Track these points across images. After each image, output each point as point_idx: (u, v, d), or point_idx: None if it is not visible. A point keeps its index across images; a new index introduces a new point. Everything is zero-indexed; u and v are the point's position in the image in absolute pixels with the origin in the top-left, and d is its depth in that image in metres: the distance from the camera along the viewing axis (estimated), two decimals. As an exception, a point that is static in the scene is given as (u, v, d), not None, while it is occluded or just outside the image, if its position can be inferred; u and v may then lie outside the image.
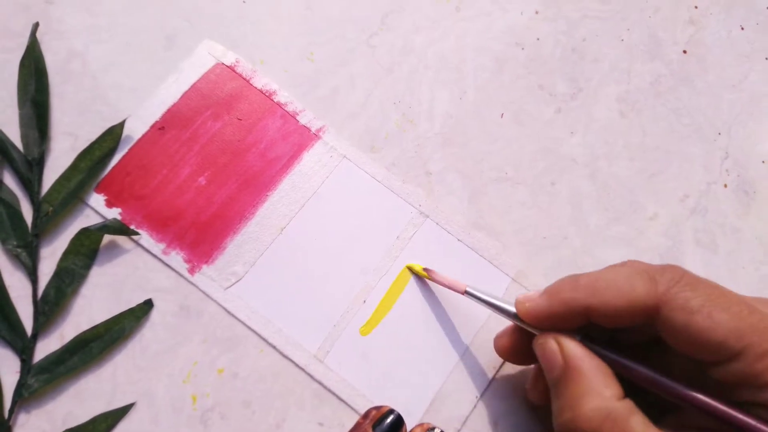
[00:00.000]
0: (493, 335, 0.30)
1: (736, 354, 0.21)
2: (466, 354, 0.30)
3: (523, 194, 0.33)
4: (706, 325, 0.21)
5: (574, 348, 0.23)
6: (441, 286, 0.30)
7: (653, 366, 0.23)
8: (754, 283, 0.33)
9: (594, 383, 0.22)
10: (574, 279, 0.24)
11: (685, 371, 0.23)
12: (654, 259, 0.33)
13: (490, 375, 0.30)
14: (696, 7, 0.38)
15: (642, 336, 0.25)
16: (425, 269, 0.30)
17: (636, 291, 0.22)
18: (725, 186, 0.35)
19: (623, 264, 0.24)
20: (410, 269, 0.31)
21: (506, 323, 0.28)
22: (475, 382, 0.30)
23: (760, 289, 0.33)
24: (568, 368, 0.23)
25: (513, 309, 0.26)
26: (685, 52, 0.37)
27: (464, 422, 0.29)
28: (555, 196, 0.33)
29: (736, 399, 0.22)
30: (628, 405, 0.22)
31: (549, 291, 0.24)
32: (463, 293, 0.28)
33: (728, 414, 0.21)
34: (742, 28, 0.38)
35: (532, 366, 0.28)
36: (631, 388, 0.23)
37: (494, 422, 0.29)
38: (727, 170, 0.35)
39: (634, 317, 0.22)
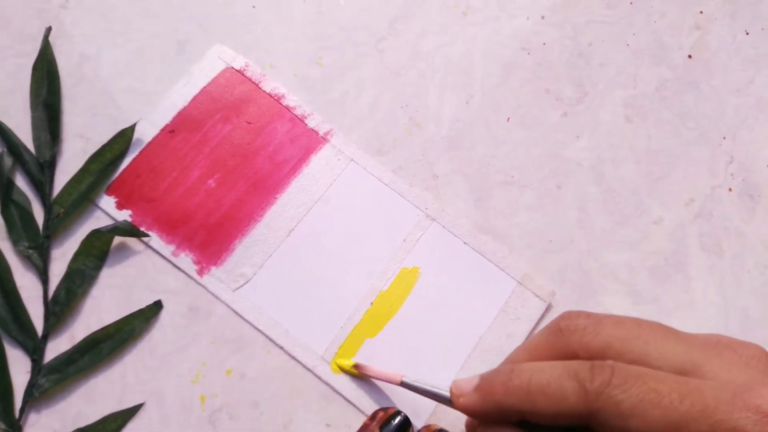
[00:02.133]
0: (501, 338, 0.31)
1: None
2: (472, 355, 0.30)
3: (529, 198, 0.33)
4: (642, 427, 0.20)
5: None
6: (459, 271, 0.29)
7: None
8: (759, 287, 0.33)
9: None
10: (507, 377, 0.23)
11: None
12: (659, 263, 0.33)
13: (497, 377, 0.30)
14: (701, 12, 0.38)
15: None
16: (355, 366, 0.29)
17: (567, 399, 0.22)
18: (730, 190, 0.35)
19: (559, 344, 0.24)
20: (339, 366, 0.29)
21: None
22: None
23: (765, 294, 0.33)
24: None
25: (449, 396, 0.25)
26: (690, 56, 0.37)
27: (470, 424, 0.29)
28: (561, 200, 0.34)
29: None
30: None
31: (482, 388, 0.24)
32: (398, 384, 0.27)
33: None
34: (747, 33, 0.38)
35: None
36: None
37: (500, 424, 0.29)
38: (732, 174, 0.35)
39: (569, 422, 0.22)
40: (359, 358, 0.30)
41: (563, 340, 0.24)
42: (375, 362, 0.30)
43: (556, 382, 0.22)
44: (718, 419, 0.19)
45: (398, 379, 0.27)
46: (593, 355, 0.23)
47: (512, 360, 0.25)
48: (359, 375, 0.29)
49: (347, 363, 0.29)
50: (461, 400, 0.24)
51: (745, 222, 0.34)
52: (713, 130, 0.36)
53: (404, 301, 0.31)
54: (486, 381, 0.24)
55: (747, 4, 0.39)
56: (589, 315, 0.24)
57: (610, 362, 0.22)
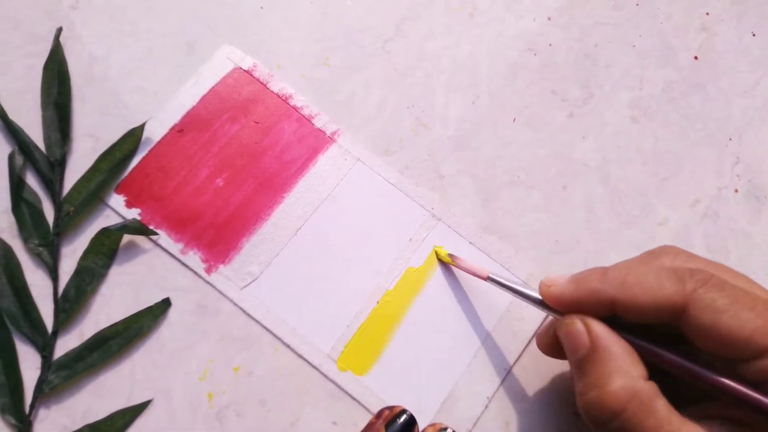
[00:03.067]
0: (506, 338, 0.31)
1: (762, 352, 0.21)
2: (477, 355, 0.30)
3: (535, 198, 0.34)
4: (733, 324, 0.21)
5: (601, 329, 0.23)
6: (463, 275, 0.31)
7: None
8: (766, 288, 0.33)
9: (621, 363, 0.22)
10: (603, 270, 0.24)
11: (709, 366, 0.23)
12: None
13: (502, 376, 0.30)
14: (708, 14, 0.38)
15: (665, 332, 0.25)
16: (450, 255, 0.31)
17: (664, 290, 0.22)
18: (736, 191, 0.35)
19: (653, 258, 0.24)
20: (436, 253, 0.31)
21: (529, 314, 0.28)
22: (486, 383, 0.30)
23: (772, 295, 0.33)
24: (595, 348, 0.23)
25: (537, 295, 0.26)
26: (696, 58, 0.37)
27: (476, 423, 0.29)
28: (567, 201, 0.34)
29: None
30: (653, 387, 0.22)
31: (576, 278, 0.25)
32: (485, 279, 0.28)
33: (757, 399, 0.21)
34: (754, 35, 0.38)
35: (545, 323, 0.28)
36: (654, 376, 0.23)
37: (505, 423, 0.29)
38: (738, 175, 0.35)
39: (660, 315, 0.22)
40: (367, 356, 0.30)
41: (656, 259, 0.24)
42: (382, 360, 0.30)
43: (654, 276, 0.23)
44: None
45: (485, 274, 0.28)
46: None
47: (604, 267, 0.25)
48: (451, 264, 0.31)
49: (443, 252, 0.31)
50: (552, 289, 0.25)
51: (751, 223, 0.34)
52: (719, 131, 0.36)
53: (411, 300, 0.31)
54: (581, 273, 0.25)
55: (753, 6, 0.39)
56: (683, 249, 0.25)
57: (708, 271, 0.23)
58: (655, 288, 0.22)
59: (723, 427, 0.22)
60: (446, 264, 0.31)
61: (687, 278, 0.22)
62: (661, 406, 0.22)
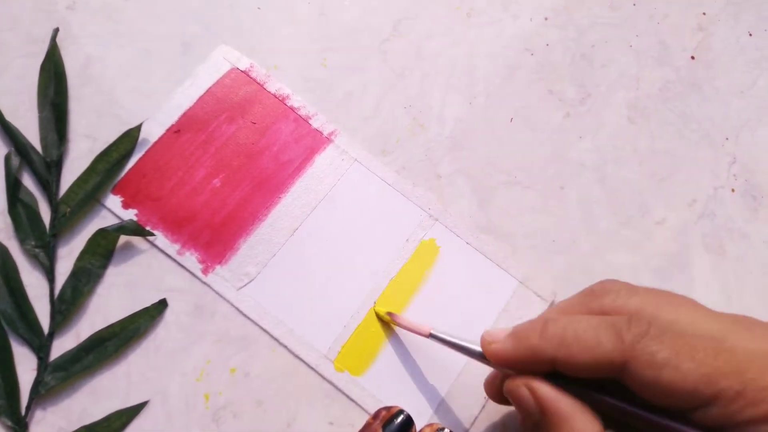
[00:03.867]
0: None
1: (710, 400, 0.20)
2: (475, 356, 0.30)
3: (532, 198, 0.34)
4: (675, 378, 0.21)
5: (547, 391, 0.23)
6: (463, 274, 0.30)
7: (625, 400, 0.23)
8: (762, 287, 0.33)
9: (575, 422, 0.22)
10: (542, 326, 0.23)
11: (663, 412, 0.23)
12: (662, 264, 0.33)
13: (500, 376, 0.30)
14: (704, 14, 0.38)
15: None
16: (389, 314, 0.30)
17: (602, 347, 0.22)
18: (733, 191, 0.35)
19: (594, 300, 0.24)
20: (376, 314, 0.30)
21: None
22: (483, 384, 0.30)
23: (769, 294, 0.33)
24: (545, 413, 0.23)
25: (478, 348, 0.25)
26: (693, 58, 0.37)
27: (473, 423, 0.29)
28: (564, 200, 0.34)
29: None
30: None
31: (516, 334, 0.24)
32: (427, 336, 0.28)
33: None
34: (751, 35, 0.38)
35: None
36: (607, 423, 0.22)
37: (503, 423, 0.29)
38: (734, 175, 0.35)
39: (601, 371, 0.22)
40: (364, 357, 0.30)
41: (597, 301, 0.24)
42: (379, 360, 0.30)
43: (592, 331, 0.22)
44: (750, 378, 0.20)
45: (427, 331, 0.28)
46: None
47: (545, 315, 0.25)
48: (391, 324, 0.30)
49: (383, 311, 0.30)
50: (493, 346, 0.24)
51: (748, 223, 0.34)
52: (716, 131, 0.36)
53: (408, 300, 0.31)
54: (520, 328, 0.24)
55: (750, 6, 0.39)
56: (622, 282, 0.25)
57: (646, 317, 0.22)
58: (593, 346, 0.22)
59: None
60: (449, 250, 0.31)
61: (624, 332, 0.22)
62: None
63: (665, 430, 0.22)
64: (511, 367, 0.24)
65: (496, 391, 0.26)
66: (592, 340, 0.22)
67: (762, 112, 0.36)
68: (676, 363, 0.21)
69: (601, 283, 0.25)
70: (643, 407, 0.22)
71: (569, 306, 0.25)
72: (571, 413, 0.22)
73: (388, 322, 0.30)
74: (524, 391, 0.23)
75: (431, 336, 0.27)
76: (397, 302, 0.31)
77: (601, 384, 0.23)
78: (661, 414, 0.22)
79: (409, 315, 0.30)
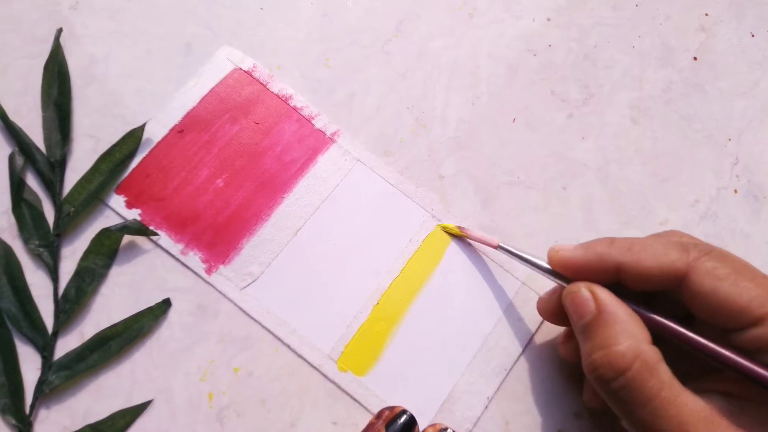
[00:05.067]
0: (506, 338, 0.31)
1: (758, 320, 0.22)
2: (477, 355, 0.30)
3: (535, 198, 0.34)
4: (732, 292, 0.22)
5: (606, 295, 0.24)
6: (463, 272, 0.31)
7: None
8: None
9: (627, 326, 0.23)
10: (610, 239, 0.25)
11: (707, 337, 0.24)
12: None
13: (502, 376, 0.30)
14: (707, 15, 0.38)
15: (665, 308, 0.25)
16: (459, 227, 0.31)
17: (668, 256, 0.23)
18: (735, 191, 0.35)
19: (660, 235, 0.26)
20: (444, 229, 0.32)
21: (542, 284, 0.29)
22: (486, 383, 0.30)
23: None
24: (601, 312, 0.24)
25: (544, 263, 0.27)
26: (696, 59, 0.37)
27: (476, 423, 0.29)
28: (567, 201, 0.34)
29: None
30: (657, 352, 0.23)
31: (584, 245, 0.26)
32: (496, 247, 0.29)
33: (750, 369, 0.22)
34: (753, 36, 0.38)
35: (563, 328, 0.29)
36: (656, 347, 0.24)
37: (505, 423, 0.29)
38: (737, 176, 0.35)
39: (664, 280, 0.23)
40: (367, 357, 0.30)
41: (663, 236, 0.26)
42: (382, 360, 0.30)
43: (659, 244, 0.24)
44: None
45: (495, 243, 0.29)
46: None
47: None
48: (461, 235, 0.31)
49: (451, 225, 0.31)
50: (561, 253, 0.26)
51: (750, 223, 0.34)
52: (719, 131, 0.36)
53: (411, 300, 0.31)
54: (589, 241, 0.26)
55: (752, 6, 0.39)
56: (689, 234, 0.26)
57: (711, 245, 0.24)
58: (660, 255, 0.23)
59: (722, 400, 0.23)
60: (458, 237, 0.32)
61: (691, 248, 0.23)
62: (664, 370, 0.22)
63: (710, 352, 0.23)
64: (577, 274, 0.25)
65: (553, 307, 0.28)
66: (659, 250, 0.24)
67: (765, 112, 0.36)
68: (735, 279, 0.22)
69: (668, 231, 0.27)
70: (692, 331, 0.23)
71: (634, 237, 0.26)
72: (625, 317, 0.23)
73: (457, 235, 0.31)
74: (585, 292, 0.25)
75: (499, 247, 0.29)
76: (400, 302, 0.31)
77: (655, 305, 0.24)
78: (710, 338, 0.23)
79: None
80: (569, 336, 0.28)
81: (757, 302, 0.22)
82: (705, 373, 0.24)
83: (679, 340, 0.24)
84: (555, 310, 0.27)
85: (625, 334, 0.23)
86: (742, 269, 0.23)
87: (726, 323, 0.23)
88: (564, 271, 0.26)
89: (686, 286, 0.23)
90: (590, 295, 0.24)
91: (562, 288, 0.27)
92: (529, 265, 0.28)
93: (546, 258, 0.27)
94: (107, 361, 0.28)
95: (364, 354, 0.30)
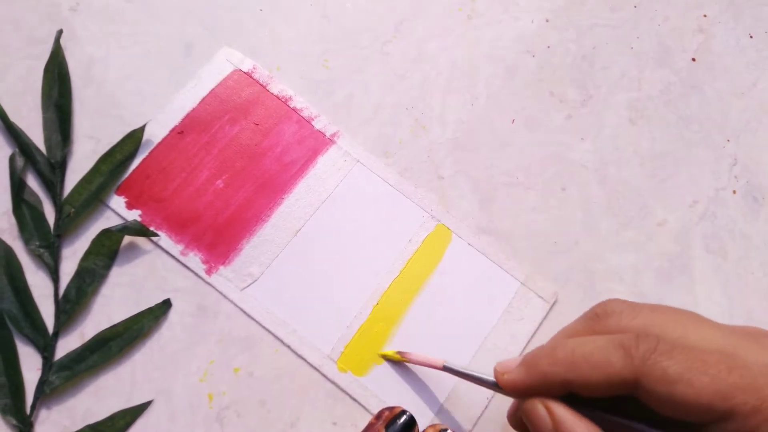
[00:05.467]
0: (505, 339, 0.31)
1: (725, 415, 0.20)
2: (476, 356, 0.30)
3: (533, 199, 0.34)
4: (688, 393, 0.20)
5: (563, 413, 0.23)
6: (463, 272, 0.31)
7: (642, 417, 0.23)
8: (764, 289, 0.33)
9: None
10: (551, 350, 0.24)
11: (673, 426, 0.23)
12: (663, 265, 0.33)
13: (501, 376, 0.30)
14: (705, 16, 0.38)
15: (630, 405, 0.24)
16: (399, 352, 0.30)
17: (612, 365, 0.22)
18: (734, 192, 0.35)
19: (598, 322, 0.24)
20: (383, 356, 0.30)
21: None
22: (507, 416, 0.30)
23: (770, 295, 0.33)
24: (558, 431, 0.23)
25: (493, 380, 0.26)
26: (694, 60, 0.37)
27: (475, 423, 0.29)
28: (565, 202, 0.34)
29: None
30: None
31: (527, 362, 0.24)
32: (441, 369, 0.28)
33: None
34: (751, 37, 0.38)
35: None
36: None
37: (505, 423, 0.30)
38: (736, 176, 0.35)
39: (614, 390, 0.22)
40: (367, 357, 0.30)
41: (601, 324, 0.24)
42: (381, 365, 0.30)
43: (600, 351, 0.22)
44: (767, 393, 0.20)
45: (440, 364, 0.28)
46: None
47: (552, 342, 0.25)
48: (402, 361, 0.29)
49: (391, 352, 0.30)
50: (506, 376, 0.24)
51: (749, 224, 0.34)
52: (717, 132, 0.36)
53: (411, 300, 0.31)
54: (530, 356, 0.24)
55: (750, 8, 0.39)
56: (625, 301, 0.24)
57: (654, 335, 0.22)
58: (603, 365, 0.22)
59: None
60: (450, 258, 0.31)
61: (633, 350, 0.22)
62: None
63: None
64: (527, 395, 0.24)
65: (519, 421, 0.26)
66: (602, 360, 0.22)
67: (762, 113, 0.37)
68: (689, 378, 0.21)
69: (603, 304, 0.25)
70: (660, 425, 0.22)
71: (574, 330, 0.25)
72: None
73: (399, 361, 0.30)
74: (541, 410, 0.23)
75: (445, 368, 0.27)
76: (400, 303, 0.31)
77: (619, 401, 0.23)
78: (678, 430, 0.22)
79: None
80: (515, 412, 0.27)
81: (718, 398, 0.20)
82: None
83: None
84: (522, 423, 0.26)
85: None
86: (694, 361, 0.21)
87: (691, 421, 0.21)
88: (513, 394, 0.25)
89: (640, 391, 0.21)
90: (546, 412, 0.23)
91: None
92: (478, 383, 0.26)
93: (492, 373, 0.26)
94: (107, 361, 0.28)
95: (364, 354, 0.30)
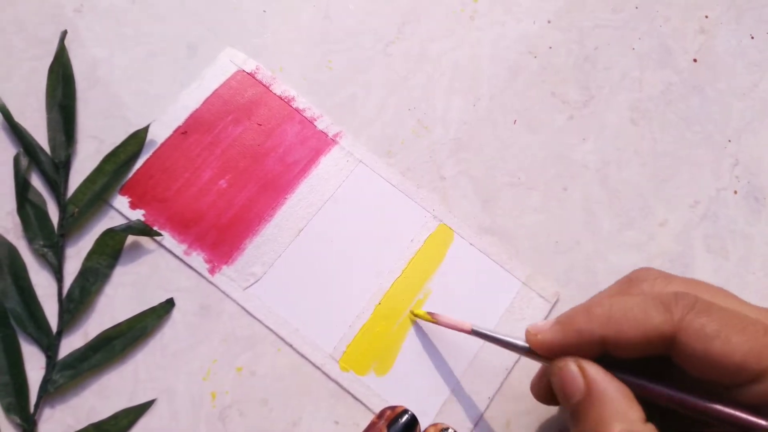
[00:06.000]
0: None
1: (757, 376, 0.20)
2: (478, 355, 0.31)
3: (535, 199, 0.34)
4: (725, 350, 0.21)
5: (596, 372, 0.23)
6: (463, 272, 0.30)
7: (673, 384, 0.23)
8: (765, 289, 0.33)
9: (619, 406, 0.22)
10: (587, 308, 0.23)
11: (703, 392, 0.23)
12: (664, 265, 0.33)
13: (503, 375, 0.30)
14: (706, 17, 0.39)
15: (660, 362, 0.24)
16: (429, 313, 0.30)
17: (652, 321, 0.22)
18: (735, 192, 0.35)
19: (633, 286, 0.24)
20: (414, 314, 0.30)
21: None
22: (487, 383, 0.30)
23: (771, 295, 0.33)
24: (591, 392, 0.22)
25: (524, 344, 0.25)
26: (695, 60, 0.38)
27: (477, 422, 0.30)
28: (567, 202, 0.34)
29: None
30: (651, 429, 0.22)
31: (561, 321, 0.24)
32: (469, 332, 0.27)
33: (756, 423, 0.21)
34: (752, 37, 0.38)
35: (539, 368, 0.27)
36: (651, 412, 0.22)
37: (507, 422, 0.30)
38: (737, 177, 0.35)
39: (652, 347, 0.22)
40: (369, 356, 0.30)
41: (635, 288, 0.24)
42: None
43: (639, 306, 0.22)
44: None
45: (468, 327, 0.27)
46: None
47: (587, 303, 0.25)
48: (432, 322, 0.29)
49: (422, 312, 0.30)
50: (539, 336, 0.24)
51: (750, 224, 0.34)
52: (718, 133, 0.36)
53: (413, 300, 0.31)
54: (565, 315, 0.24)
55: (752, 8, 0.39)
56: (659, 270, 0.24)
57: (692, 294, 0.22)
58: (642, 320, 0.22)
59: None
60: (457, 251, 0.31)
61: (673, 305, 0.22)
62: None
63: (709, 412, 0.22)
64: (560, 355, 0.24)
65: (544, 389, 0.26)
66: (641, 315, 0.22)
67: (764, 114, 0.37)
68: (726, 335, 0.21)
69: (637, 271, 0.25)
70: (689, 391, 0.22)
71: (609, 294, 0.25)
72: (616, 396, 0.22)
73: (428, 321, 0.30)
74: (573, 368, 0.23)
75: (473, 332, 0.27)
76: (402, 302, 0.31)
77: (652, 367, 0.23)
78: (705, 397, 0.22)
79: (447, 316, 0.30)
80: (540, 379, 0.27)
81: (752, 357, 0.20)
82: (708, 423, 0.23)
83: (680, 407, 0.22)
84: (550, 390, 0.25)
85: (618, 416, 0.21)
86: (731, 320, 0.21)
87: (723, 381, 0.21)
88: (546, 354, 0.24)
89: (676, 348, 0.22)
90: (579, 371, 0.23)
91: (548, 368, 0.25)
92: (506, 347, 0.26)
93: (523, 338, 0.25)
94: (111, 360, 0.29)
95: (366, 354, 0.30)
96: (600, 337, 0.22)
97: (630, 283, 0.25)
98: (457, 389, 0.30)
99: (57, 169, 0.31)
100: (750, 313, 0.22)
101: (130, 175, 0.32)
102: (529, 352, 0.25)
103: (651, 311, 0.22)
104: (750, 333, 0.21)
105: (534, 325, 0.25)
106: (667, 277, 0.24)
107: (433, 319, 0.29)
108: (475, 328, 0.27)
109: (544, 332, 0.24)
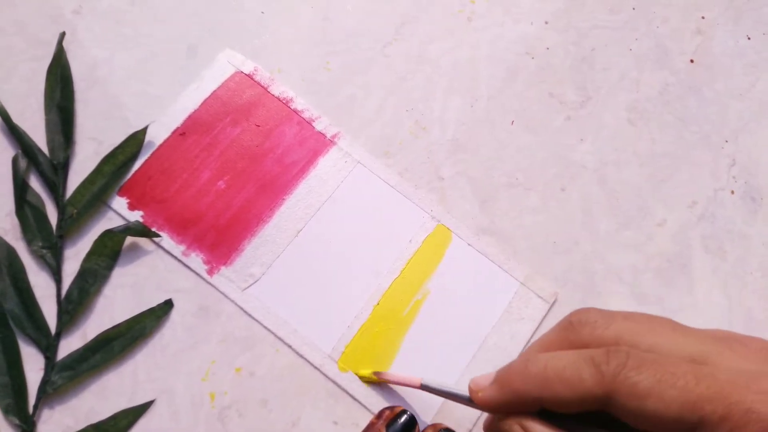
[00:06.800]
0: (505, 338, 0.31)
1: (695, 425, 0.20)
2: (477, 356, 0.31)
3: (533, 200, 0.34)
4: (659, 407, 0.21)
5: (540, 430, 0.23)
6: (463, 273, 0.30)
7: (619, 428, 0.23)
8: (763, 288, 0.33)
9: None
10: (523, 367, 0.24)
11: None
12: (662, 265, 0.33)
13: (502, 376, 0.30)
14: (703, 18, 0.39)
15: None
16: (375, 373, 0.29)
17: (584, 383, 0.22)
18: (732, 192, 0.35)
19: (573, 333, 0.24)
20: (361, 378, 0.30)
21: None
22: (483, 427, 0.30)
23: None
24: None
25: (468, 395, 0.25)
26: (692, 61, 0.38)
27: (475, 423, 0.30)
28: (565, 202, 0.34)
29: None
30: None
31: (499, 380, 0.24)
32: (418, 387, 0.27)
33: None
34: (749, 38, 0.39)
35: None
36: None
37: (505, 423, 0.30)
38: (734, 177, 0.35)
39: (587, 406, 0.22)
40: (368, 357, 0.30)
41: (575, 333, 0.24)
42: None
43: (572, 367, 0.22)
44: (734, 401, 0.20)
45: (417, 382, 0.27)
46: (605, 346, 0.23)
47: (526, 355, 0.25)
48: (379, 382, 0.29)
49: (368, 372, 0.29)
50: (480, 394, 0.24)
51: (747, 224, 0.35)
52: (715, 133, 0.36)
53: (411, 300, 0.31)
54: (503, 373, 0.24)
55: (749, 9, 0.39)
56: (599, 310, 0.25)
57: (624, 347, 0.22)
58: (575, 383, 0.22)
59: None
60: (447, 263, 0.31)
61: (603, 365, 0.22)
62: None
63: None
64: (501, 412, 0.24)
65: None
66: (573, 377, 0.22)
67: (761, 114, 0.37)
68: (658, 392, 0.21)
69: (577, 313, 0.25)
70: None
71: (549, 341, 0.25)
72: None
73: (375, 382, 0.30)
74: (517, 430, 0.23)
75: (423, 387, 0.27)
76: (400, 303, 0.31)
77: (594, 414, 0.23)
78: None
79: (394, 373, 0.29)
80: (491, 422, 0.27)
81: (686, 410, 0.20)
82: None
83: None
84: None
85: None
86: (664, 374, 0.21)
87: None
88: (489, 411, 0.25)
89: (611, 406, 0.22)
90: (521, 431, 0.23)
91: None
92: (455, 400, 0.26)
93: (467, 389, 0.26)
94: (110, 361, 0.29)
95: (364, 354, 0.30)
96: (536, 398, 0.23)
97: (570, 327, 0.25)
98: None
99: (56, 171, 0.31)
100: (693, 346, 0.22)
101: (129, 176, 0.32)
102: (475, 404, 0.25)
103: (583, 373, 0.22)
104: (681, 386, 0.21)
105: (476, 381, 0.25)
106: (607, 319, 0.24)
107: (379, 378, 0.29)
108: (424, 383, 0.27)
109: (484, 390, 0.25)
